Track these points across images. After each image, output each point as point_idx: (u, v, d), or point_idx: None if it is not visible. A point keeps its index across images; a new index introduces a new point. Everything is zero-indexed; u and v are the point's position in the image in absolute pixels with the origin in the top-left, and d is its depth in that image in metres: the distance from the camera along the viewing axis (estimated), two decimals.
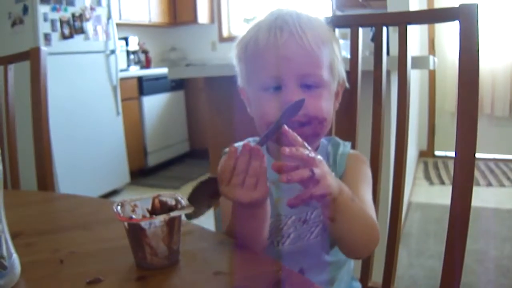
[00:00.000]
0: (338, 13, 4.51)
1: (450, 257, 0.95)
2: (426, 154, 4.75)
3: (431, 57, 1.72)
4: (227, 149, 0.96)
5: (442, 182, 3.79)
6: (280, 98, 0.79)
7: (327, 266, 0.88)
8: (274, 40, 0.79)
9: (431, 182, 3.84)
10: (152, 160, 4.66)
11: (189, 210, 0.65)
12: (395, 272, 1.07)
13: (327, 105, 0.82)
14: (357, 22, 1.09)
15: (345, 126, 1.10)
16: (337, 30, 1.10)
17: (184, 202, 0.68)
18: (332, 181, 0.65)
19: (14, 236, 0.65)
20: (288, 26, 0.79)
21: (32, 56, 1.42)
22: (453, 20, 0.95)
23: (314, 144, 0.87)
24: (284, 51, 0.78)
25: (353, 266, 0.97)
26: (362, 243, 0.77)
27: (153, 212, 0.71)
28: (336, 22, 1.07)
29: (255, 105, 0.85)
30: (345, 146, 0.92)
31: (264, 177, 0.66)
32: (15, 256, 0.64)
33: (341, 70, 0.87)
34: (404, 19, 1.04)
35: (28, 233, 0.82)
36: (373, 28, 1.05)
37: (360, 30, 1.09)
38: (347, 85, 0.91)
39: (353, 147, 1.06)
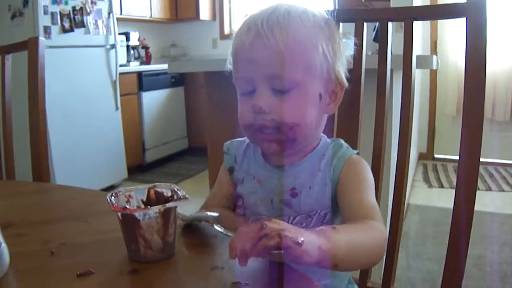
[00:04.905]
0: None
1: (452, 261, 0.93)
2: (426, 156, 4.73)
3: (434, 57, 1.70)
4: (227, 142, 0.95)
5: (441, 185, 3.77)
6: (252, 102, 0.77)
7: (314, 268, 0.84)
8: (242, 42, 0.78)
9: (430, 185, 3.82)
10: (150, 156, 4.62)
11: (186, 201, 0.63)
12: (395, 273, 1.06)
13: (301, 109, 0.78)
14: (362, 17, 1.06)
15: (347, 125, 1.08)
16: (340, 28, 1.08)
17: (180, 193, 0.66)
18: (310, 246, 0.54)
19: (4, 227, 0.63)
20: (256, 26, 0.76)
21: (30, 46, 1.39)
22: (460, 16, 0.93)
23: (297, 147, 0.83)
24: (250, 52, 0.76)
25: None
26: (367, 264, 0.77)
27: (148, 203, 0.69)
28: (341, 16, 1.04)
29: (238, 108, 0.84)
30: (347, 149, 0.86)
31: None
32: (4, 246, 0.62)
33: (336, 69, 0.81)
34: (410, 15, 1.02)
35: (19, 223, 0.80)
36: (376, 28, 1.03)
37: (365, 25, 1.07)
38: (345, 83, 0.84)
39: (355, 147, 1.03)
